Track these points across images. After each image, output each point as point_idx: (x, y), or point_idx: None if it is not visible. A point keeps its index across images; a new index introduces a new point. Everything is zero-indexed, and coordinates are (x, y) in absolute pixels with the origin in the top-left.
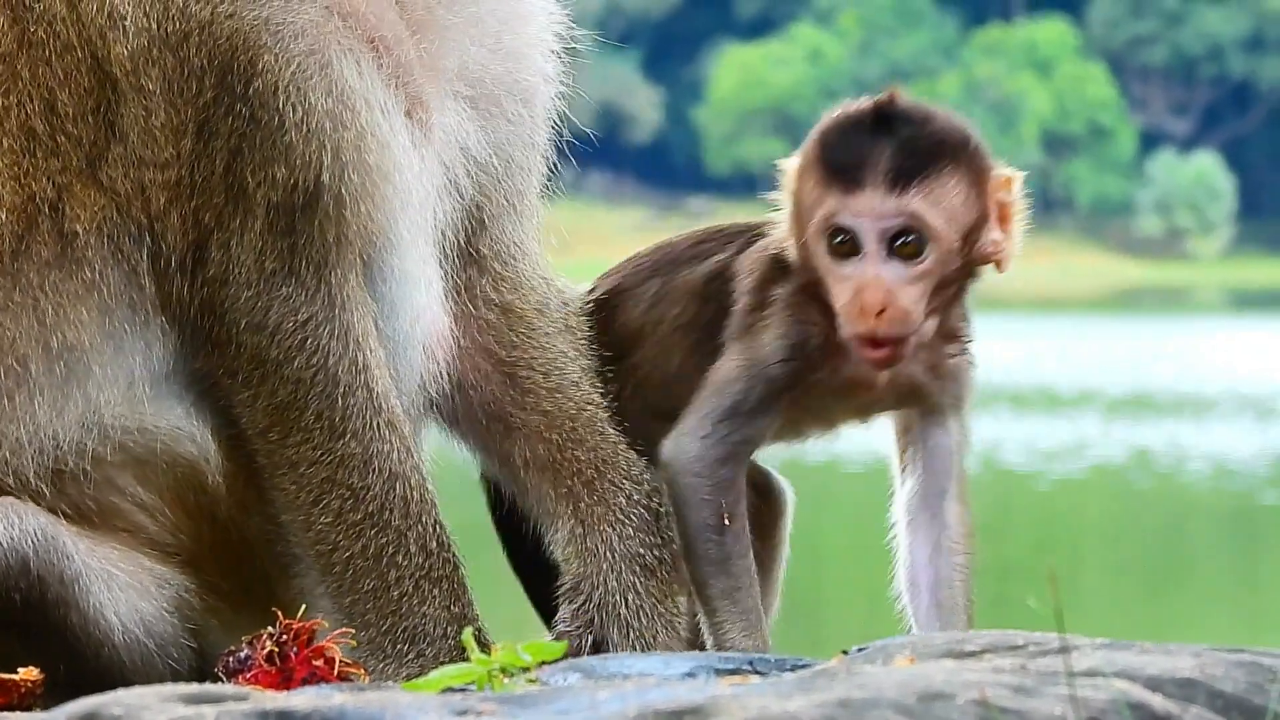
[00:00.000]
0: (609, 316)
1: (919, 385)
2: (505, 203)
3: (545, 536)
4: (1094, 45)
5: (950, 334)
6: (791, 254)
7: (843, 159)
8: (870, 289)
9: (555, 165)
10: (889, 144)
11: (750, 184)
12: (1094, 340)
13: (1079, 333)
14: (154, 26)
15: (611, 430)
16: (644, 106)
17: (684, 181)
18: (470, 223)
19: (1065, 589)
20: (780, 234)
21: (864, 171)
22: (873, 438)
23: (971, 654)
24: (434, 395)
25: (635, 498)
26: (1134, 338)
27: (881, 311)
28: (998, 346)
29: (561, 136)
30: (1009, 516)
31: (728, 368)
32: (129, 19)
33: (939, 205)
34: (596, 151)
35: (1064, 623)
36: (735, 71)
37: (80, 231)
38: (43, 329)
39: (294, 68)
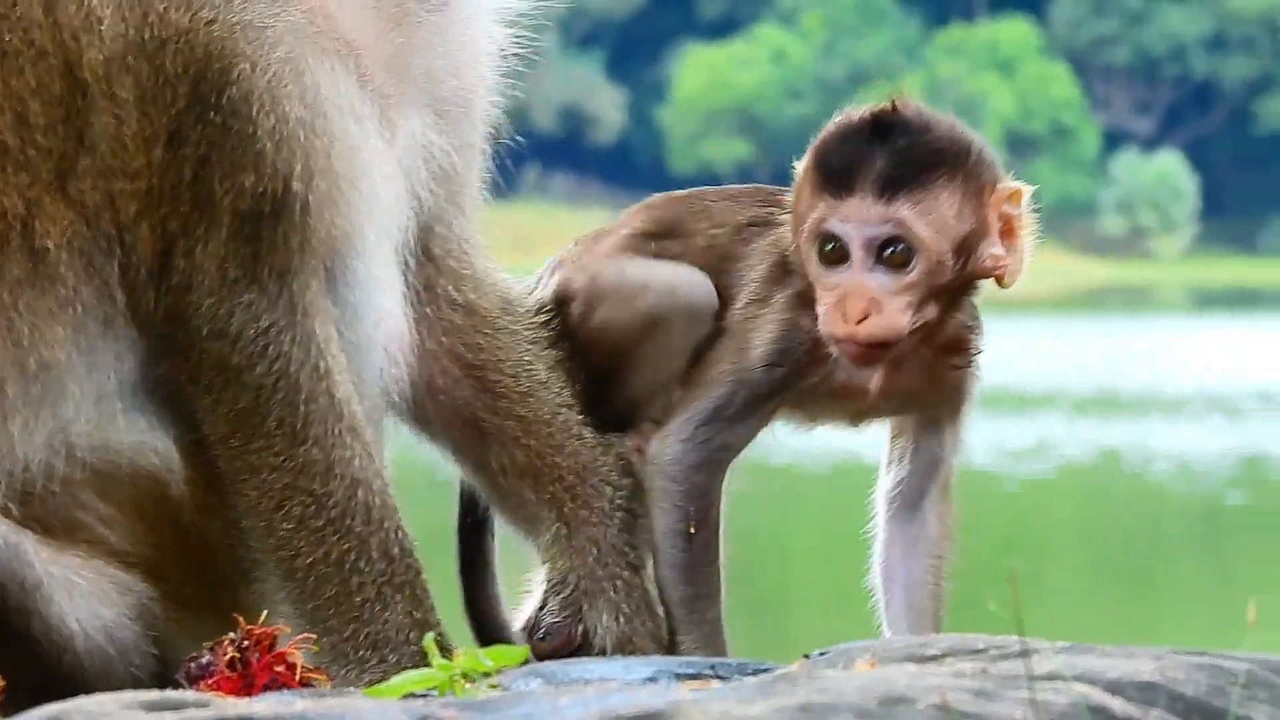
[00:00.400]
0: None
1: (915, 395)
2: (455, 205)
3: (528, 540)
4: (1056, 45)
5: (952, 344)
6: (794, 256)
7: (836, 165)
8: (853, 296)
9: (519, 167)
10: (883, 152)
11: (714, 184)
12: (1058, 340)
13: (1042, 332)
14: (131, 32)
15: (588, 433)
16: (607, 107)
17: (648, 182)
18: (424, 224)
19: (1029, 590)
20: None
21: (855, 178)
22: (836, 440)
23: (933, 658)
24: (403, 401)
25: (617, 501)
26: (1098, 337)
27: (864, 319)
28: None
29: (522, 138)
30: (973, 517)
31: (716, 369)
32: (106, 24)
33: (928, 216)
34: (560, 152)
35: (1024, 626)
36: (699, 72)
37: (51, 247)
38: (19, 351)
39: (270, 75)
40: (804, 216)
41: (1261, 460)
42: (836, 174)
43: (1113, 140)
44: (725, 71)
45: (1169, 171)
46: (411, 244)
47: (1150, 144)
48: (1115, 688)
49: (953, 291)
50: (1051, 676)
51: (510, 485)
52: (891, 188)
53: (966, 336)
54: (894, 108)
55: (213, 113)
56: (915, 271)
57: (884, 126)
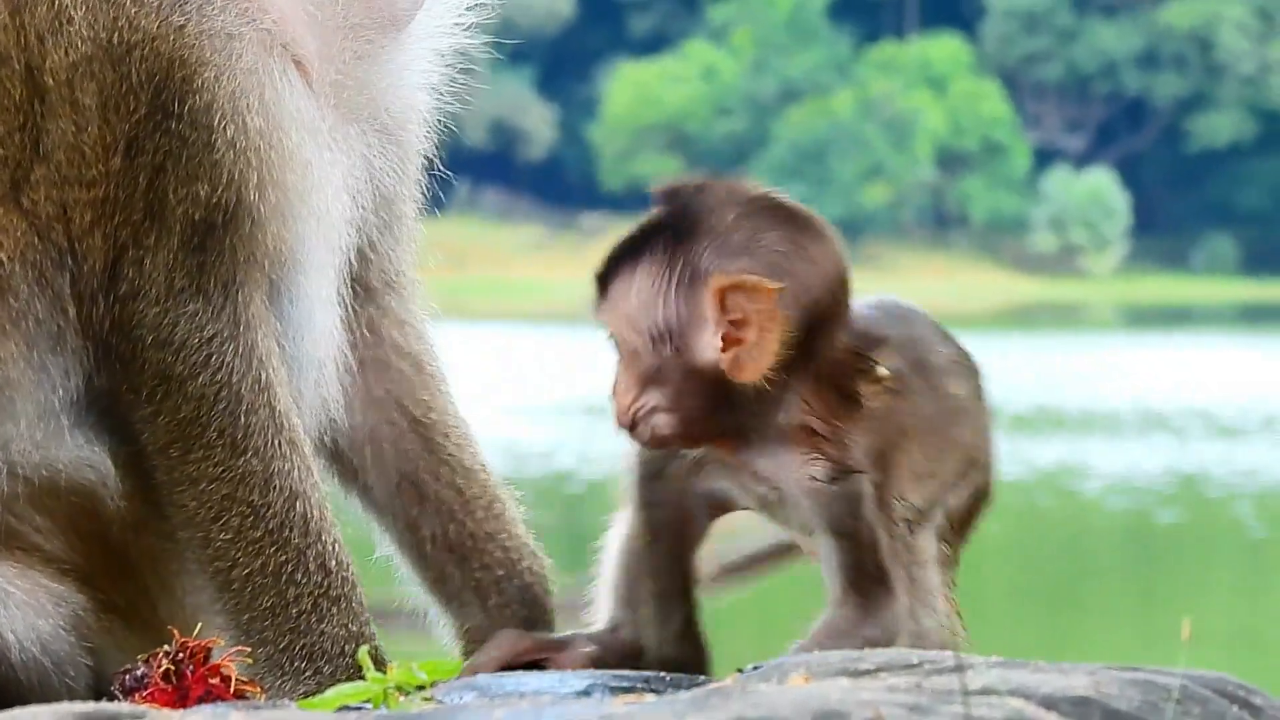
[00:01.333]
0: None
1: (778, 497)
2: (392, 234)
3: (444, 614)
4: (987, 62)
5: (799, 446)
6: None
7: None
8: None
9: (449, 182)
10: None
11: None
12: (989, 357)
13: (974, 349)
14: (100, 35)
15: (520, 531)
16: (538, 123)
17: (578, 198)
18: (361, 249)
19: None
20: None
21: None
22: None
23: (866, 672)
24: (340, 442)
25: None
26: (1029, 354)
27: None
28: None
29: (453, 154)
30: None
31: None
32: (75, 25)
33: (616, 309)
34: (490, 168)
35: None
36: (629, 88)
37: (4, 260)
38: None
39: (234, 86)
40: None
41: (1194, 478)
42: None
43: (1044, 157)
44: (656, 88)
45: (1100, 189)
46: (352, 268)
47: (1082, 161)
48: (1050, 703)
49: (703, 386)
50: (986, 691)
51: (436, 557)
52: (601, 280)
53: (809, 441)
54: (661, 194)
55: (173, 121)
56: (624, 363)
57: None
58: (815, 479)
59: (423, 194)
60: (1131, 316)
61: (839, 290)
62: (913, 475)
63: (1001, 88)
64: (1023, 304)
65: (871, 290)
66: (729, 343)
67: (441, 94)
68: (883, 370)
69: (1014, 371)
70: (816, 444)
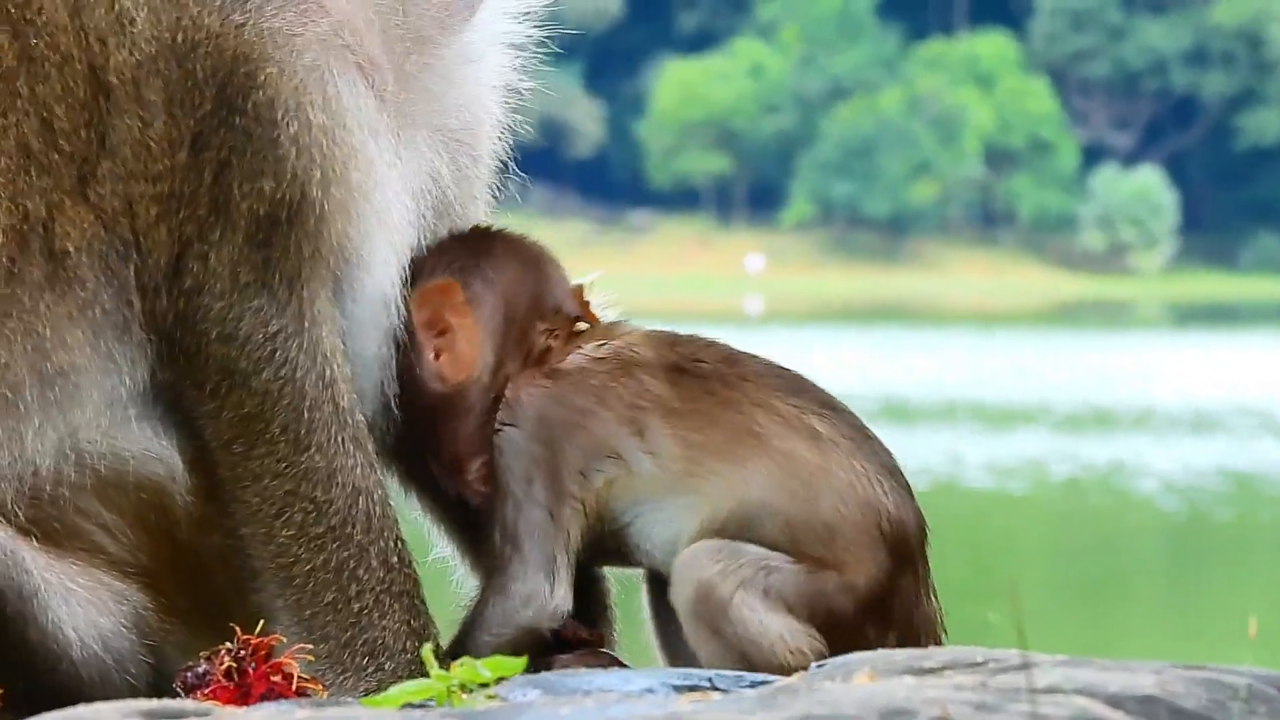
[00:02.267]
0: None
1: None
2: None
3: None
4: (1035, 59)
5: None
6: None
7: None
8: None
9: (497, 179)
10: None
11: (691, 198)
12: (1036, 355)
13: (1021, 347)
14: (164, 35)
15: None
16: (585, 120)
17: (625, 195)
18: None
19: (1024, 604)
20: None
21: None
22: None
23: (931, 671)
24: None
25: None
26: (1076, 353)
27: None
28: (938, 361)
29: (504, 152)
30: (952, 532)
31: None
32: (138, 26)
33: None
34: (538, 165)
35: (1025, 639)
36: (676, 85)
37: (71, 250)
38: (37, 355)
39: (296, 82)
40: None
41: (1245, 477)
42: None
43: (1092, 155)
44: (702, 85)
45: (1148, 186)
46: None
47: (1129, 159)
48: (1116, 701)
49: (449, 406)
50: (1052, 690)
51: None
52: None
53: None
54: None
55: (237, 117)
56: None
57: None
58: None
59: (494, 195)
60: (1179, 314)
61: (531, 280)
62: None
63: (1049, 85)
64: (1070, 302)
65: (919, 288)
66: (438, 351)
67: (507, 97)
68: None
69: (1062, 370)
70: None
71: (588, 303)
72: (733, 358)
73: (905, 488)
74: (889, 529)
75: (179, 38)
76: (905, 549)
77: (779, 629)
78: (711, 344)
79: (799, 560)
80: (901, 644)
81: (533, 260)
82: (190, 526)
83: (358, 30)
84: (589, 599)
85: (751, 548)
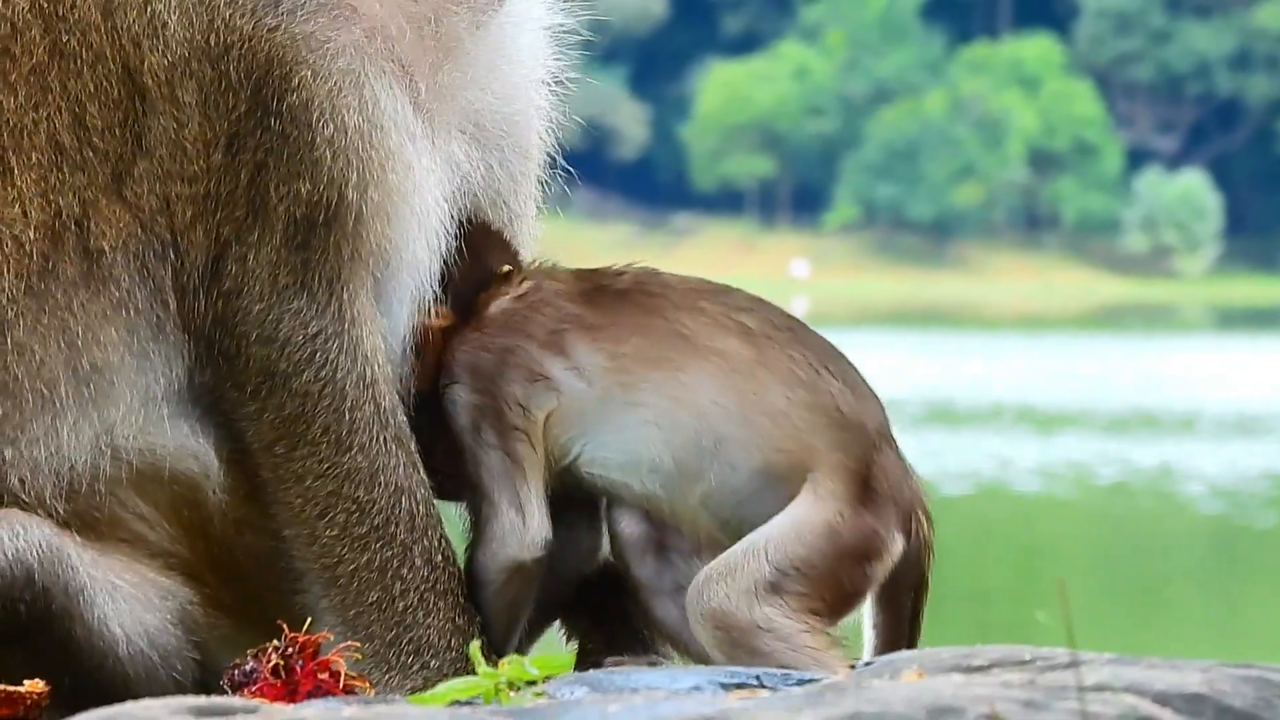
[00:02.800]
0: None
1: None
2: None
3: None
4: (1080, 62)
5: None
6: None
7: None
8: None
9: (541, 182)
10: None
11: (735, 200)
12: (1079, 358)
13: (1064, 351)
14: (196, 38)
15: None
16: (629, 123)
17: (669, 198)
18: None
19: (1056, 608)
20: None
21: None
22: None
23: (980, 669)
24: None
25: None
26: (1120, 356)
27: None
28: (982, 364)
29: (547, 156)
30: (997, 534)
31: None
32: (170, 29)
33: None
34: (582, 168)
35: (1074, 637)
36: (721, 88)
37: (106, 249)
38: (71, 352)
39: (331, 84)
40: None
41: None
42: None
43: (1136, 158)
44: (747, 88)
45: (1192, 190)
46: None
47: (1174, 162)
48: (1163, 699)
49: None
50: (1100, 687)
51: None
52: None
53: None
54: None
55: (272, 119)
56: None
57: None
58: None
59: (543, 193)
60: (1223, 318)
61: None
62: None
63: (1094, 88)
64: (1113, 305)
65: (963, 291)
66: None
67: (549, 86)
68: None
69: (1106, 373)
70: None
71: (514, 251)
72: (653, 271)
73: (851, 369)
74: (846, 408)
75: (211, 40)
76: (867, 426)
77: (804, 633)
78: (631, 264)
79: (773, 481)
80: (901, 522)
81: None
82: (224, 524)
83: (390, 34)
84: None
85: (740, 547)
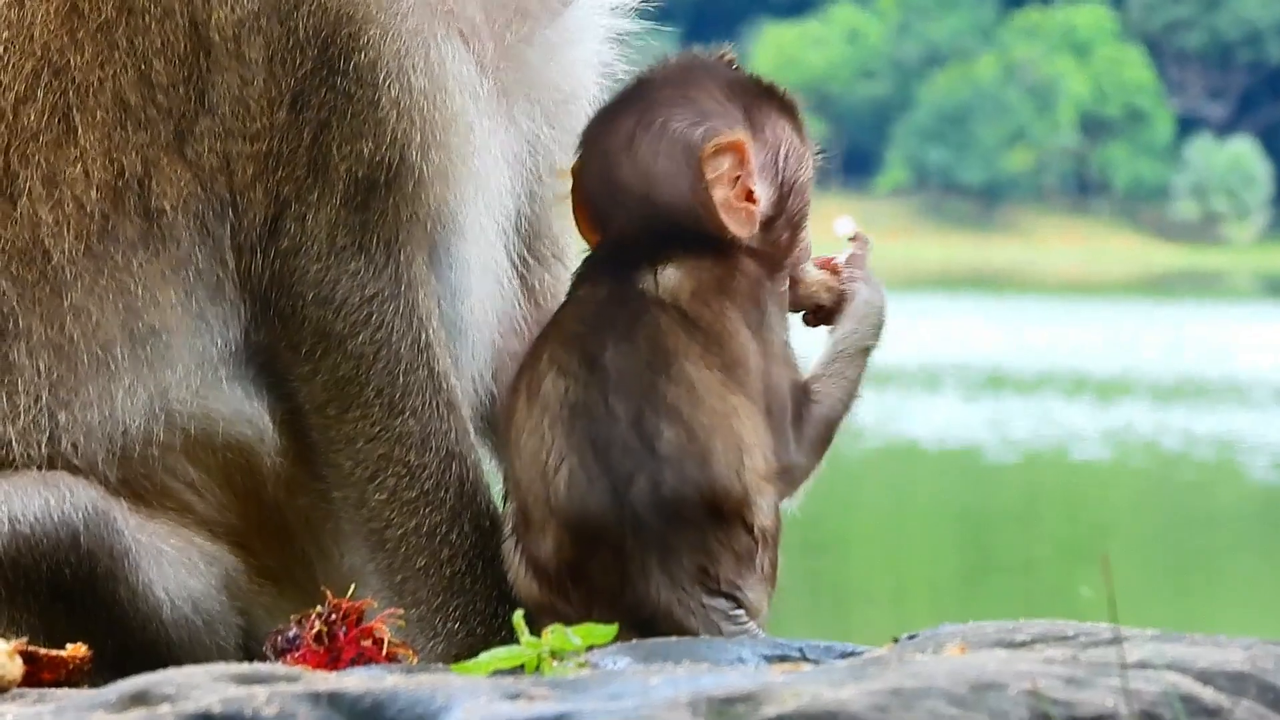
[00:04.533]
0: None
1: None
2: (560, 206)
3: None
4: (1132, 29)
5: None
6: None
7: None
8: None
9: None
10: None
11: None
12: (1128, 325)
13: (1113, 317)
14: None
15: None
16: None
17: None
18: (532, 221)
19: (1115, 577)
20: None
21: None
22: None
23: (1023, 644)
24: (496, 407)
25: None
26: (1169, 323)
27: None
28: (1031, 329)
29: None
30: (1044, 502)
31: None
32: None
33: None
34: None
35: (1117, 612)
36: (773, 51)
37: (167, 209)
38: (129, 314)
39: (399, 45)
40: (805, 161)
41: None
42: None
43: (1187, 125)
44: (799, 50)
45: (1243, 157)
46: (524, 236)
47: (1224, 129)
48: (1206, 677)
49: None
50: (1142, 665)
51: None
52: None
53: None
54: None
55: (338, 78)
56: None
57: None
58: None
59: None
60: (1272, 285)
61: None
62: None
63: (1145, 54)
64: (1163, 272)
65: (1012, 256)
66: None
67: (608, 73)
68: None
69: (1154, 340)
70: None
71: None
72: (568, 304)
73: (612, 469)
74: (559, 506)
75: None
76: (587, 530)
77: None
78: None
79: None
80: (631, 626)
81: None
82: (278, 488)
83: (458, 0)
84: None
85: None
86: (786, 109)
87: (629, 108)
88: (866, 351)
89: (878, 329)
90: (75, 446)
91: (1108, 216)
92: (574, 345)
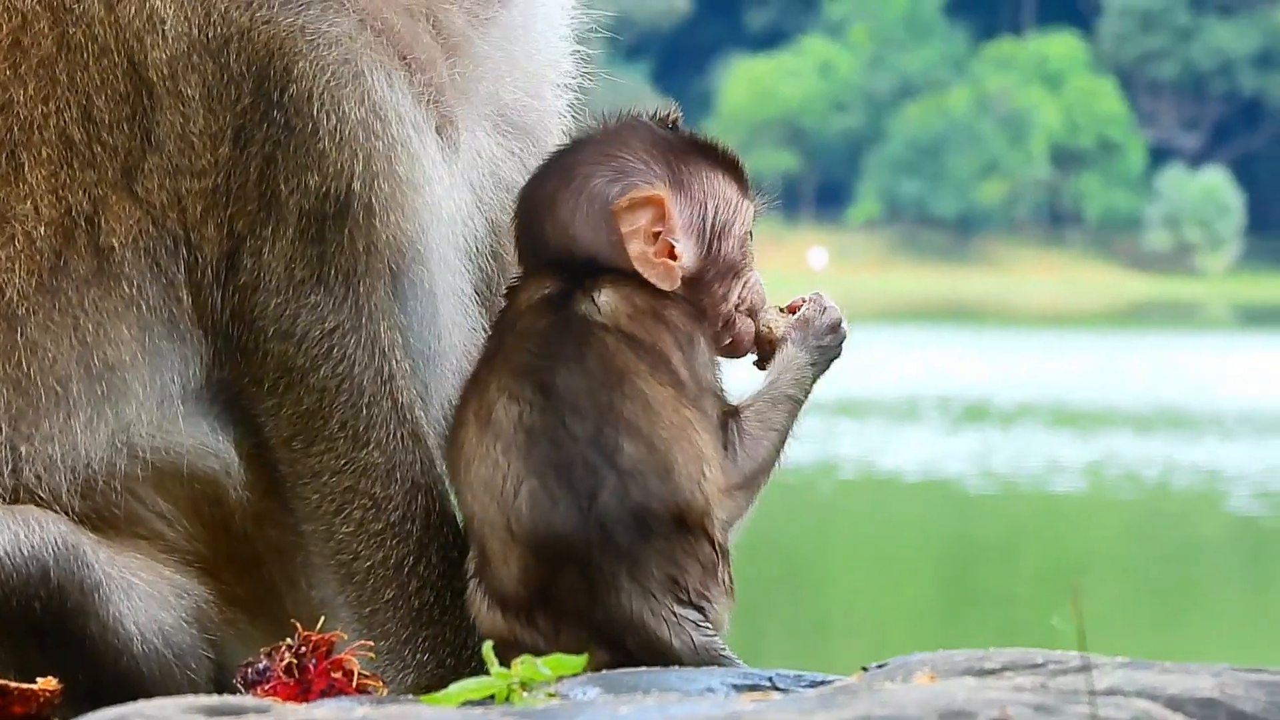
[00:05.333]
0: None
1: None
2: None
3: None
4: (1104, 59)
5: None
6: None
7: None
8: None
9: None
10: None
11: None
12: (1102, 355)
13: (1087, 348)
14: (194, 32)
15: None
16: None
17: None
18: (496, 248)
19: (1085, 606)
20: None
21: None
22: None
23: (992, 671)
24: None
25: None
26: (1143, 353)
27: None
28: (1005, 361)
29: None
30: (1019, 533)
31: None
32: (169, 24)
33: None
34: None
35: (1086, 641)
36: (745, 84)
37: (117, 245)
38: (84, 349)
39: (328, 75)
40: (739, 214)
41: None
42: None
43: (1159, 156)
44: (772, 83)
45: (1215, 187)
46: (486, 263)
47: (1196, 160)
48: (1176, 704)
49: None
50: (1112, 692)
51: None
52: None
53: None
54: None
55: (275, 110)
56: None
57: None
58: None
59: None
60: (1246, 316)
61: None
62: None
63: (1117, 85)
64: (1136, 302)
65: (986, 287)
66: None
67: (566, 87)
68: None
69: (1129, 371)
70: None
71: None
72: (508, 334)
73: (574, 487)
74: (521, 530)
75: (210, 33)
76: (552, 550)
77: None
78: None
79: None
80: (601, 644)
81: None
82: (246, 520)
83: (382, 26)
84: None
85: None
86: (723, 165)
87: (556, 166)
88: (791, 400)
89: (800, 384)
90: (39, 478)
91: (1081, 247)
92: (524, 373)
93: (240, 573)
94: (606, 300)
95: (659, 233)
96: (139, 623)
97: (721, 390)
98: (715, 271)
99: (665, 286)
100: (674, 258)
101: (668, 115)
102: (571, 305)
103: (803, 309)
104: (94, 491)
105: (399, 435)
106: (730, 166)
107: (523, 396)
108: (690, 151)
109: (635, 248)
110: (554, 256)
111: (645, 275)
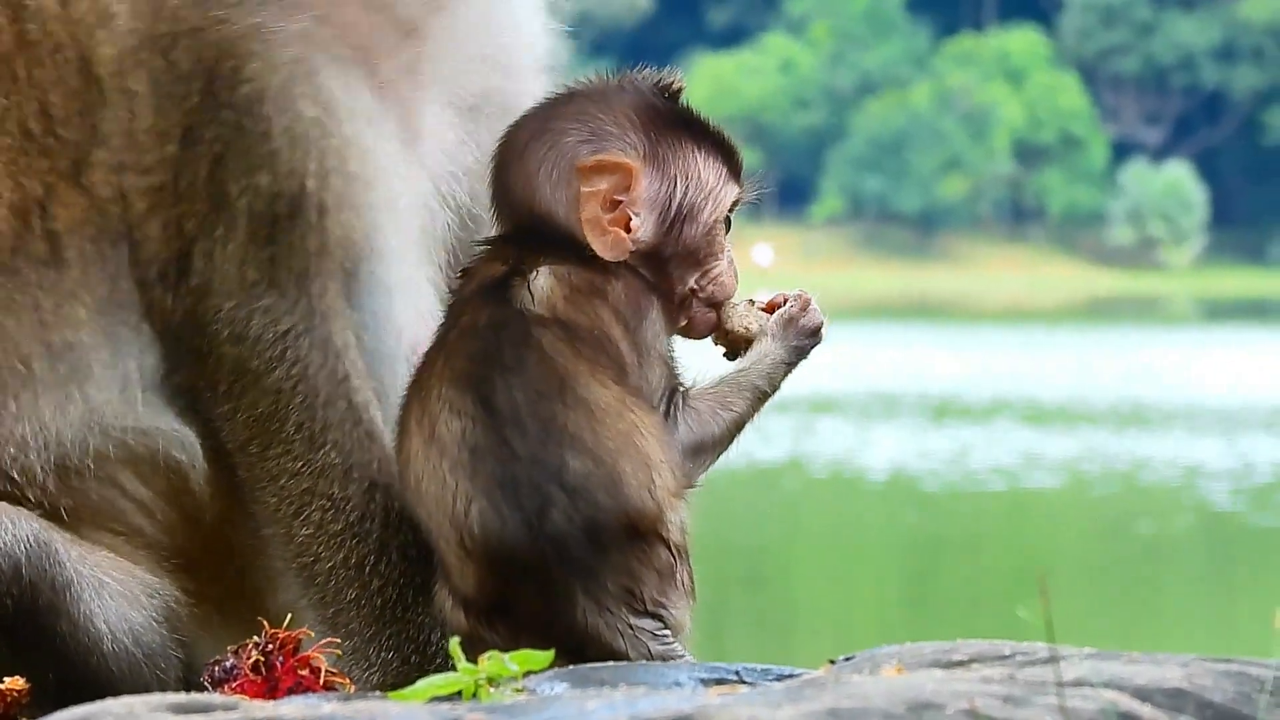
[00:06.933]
0: None
1: None
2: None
3: None
4: (1066, 55)
5: None
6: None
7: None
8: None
9: None
10: None
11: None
12: (1066, 351)
13: (1050, 343)
14: (143, 28)
15: None
16: None
17: None
18: (465, 237)
19: (1052, 598)
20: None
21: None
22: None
23: (959, 663)
24: None
25: None
26: (1107, 348)
27: None
28: (968, 356)
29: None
30: (985, 529)
31: None
32: (119, 20)
33: None
34: None
35: (1053, 632)
36: (707, 81)
37: (62, 231)
38: (43, 328)
39: (282, 75)
40: (713, 200)
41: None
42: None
43: (1121, 150)
44: (734, 81)
45: (1178, 182)
46: (452, 257)
47: (1159, 154)
48: (1143, 694)
49: None
50: (1079, 683)
51: None
52: None
53: None
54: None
55: (226, 110)
56: None
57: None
58: None
59: None
60: (1209, 310)
61: None
62: None
63: (1079, 80)
64: (1100, 297)
65: (949, 284)
66: None
67: (544, 69)
68: None
69: (1093, 366)
70: None
71: None
72: (451, 330)
73: (522, 506)
74: (475, 548)
75: (160, 30)
76: (507, 567)
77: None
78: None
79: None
80: (562, 654)
81: None
82: (215, 514)
83: (342, 21)
84: None
85: None
86: (710, 146)
87: (537, 116)
88: (757, 390)
89: (770, 378)
90: (13, 459)
91: (1044, 243)
92: (465, 384)
93: (214, 567)
94: (541, 285)
95: (620, 201)
96: (109, 621)
97: (672, 358)
98: (673, 253)
99: (608, 256)
100: (629, 230)
101: (671, 83)
102: (508, 297)
103: (787, 307)
104: (69, 473)
105: (355, 435)
106: (719, 150)
107: (464, 411)
108: (678, 126)
109: (589, 210)
110: (516, 209)
111: (591, 241)
